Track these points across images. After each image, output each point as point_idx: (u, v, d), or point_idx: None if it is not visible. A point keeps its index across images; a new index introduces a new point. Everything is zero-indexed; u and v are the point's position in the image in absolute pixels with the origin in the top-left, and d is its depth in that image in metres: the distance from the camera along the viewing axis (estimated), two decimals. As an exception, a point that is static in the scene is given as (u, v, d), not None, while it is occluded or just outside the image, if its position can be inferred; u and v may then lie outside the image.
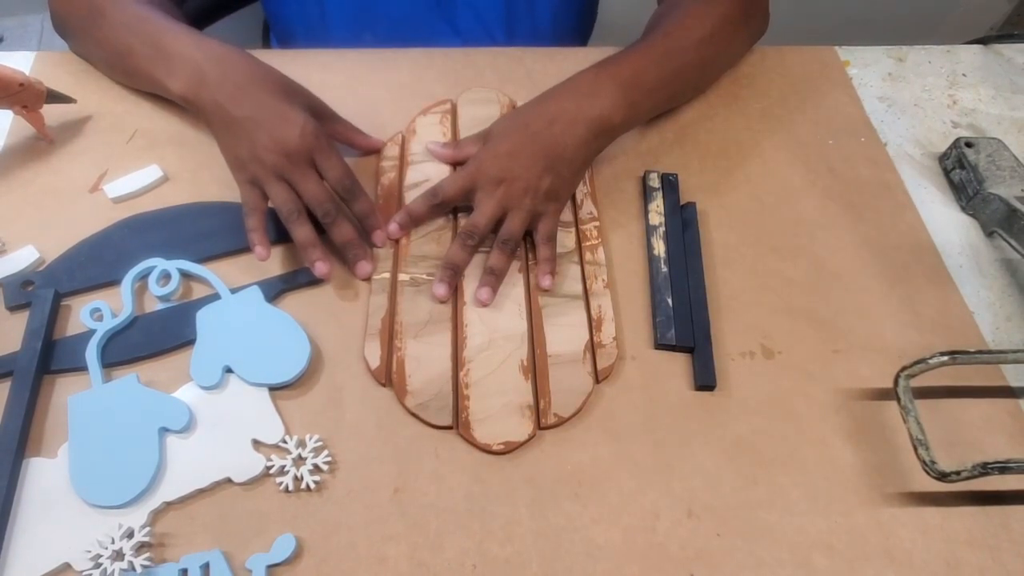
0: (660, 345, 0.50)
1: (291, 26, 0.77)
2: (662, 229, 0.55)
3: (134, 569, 0.39)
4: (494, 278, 0.51)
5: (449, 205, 0.54)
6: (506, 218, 0.52)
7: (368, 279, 0.52)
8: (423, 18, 0.74)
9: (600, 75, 0.55)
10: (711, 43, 0.60)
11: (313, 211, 0.51)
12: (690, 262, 0.53)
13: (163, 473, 0.43)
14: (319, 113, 0.55)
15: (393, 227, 0.53)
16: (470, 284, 0.52)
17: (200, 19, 0.81)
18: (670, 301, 0.51)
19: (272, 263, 0.52)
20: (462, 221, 0.55)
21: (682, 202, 0.57)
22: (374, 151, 0.60)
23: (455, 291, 0.51)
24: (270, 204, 0.51)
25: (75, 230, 0.53)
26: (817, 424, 0.47)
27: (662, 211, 0.56)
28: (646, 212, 0.57)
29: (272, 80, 0.53)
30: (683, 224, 0.55)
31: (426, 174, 0.58)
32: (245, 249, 0.53)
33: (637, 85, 0.56)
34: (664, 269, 0.53)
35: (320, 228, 0.52)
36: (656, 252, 0.54)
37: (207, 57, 0.53)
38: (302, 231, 0.50)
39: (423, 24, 0.74)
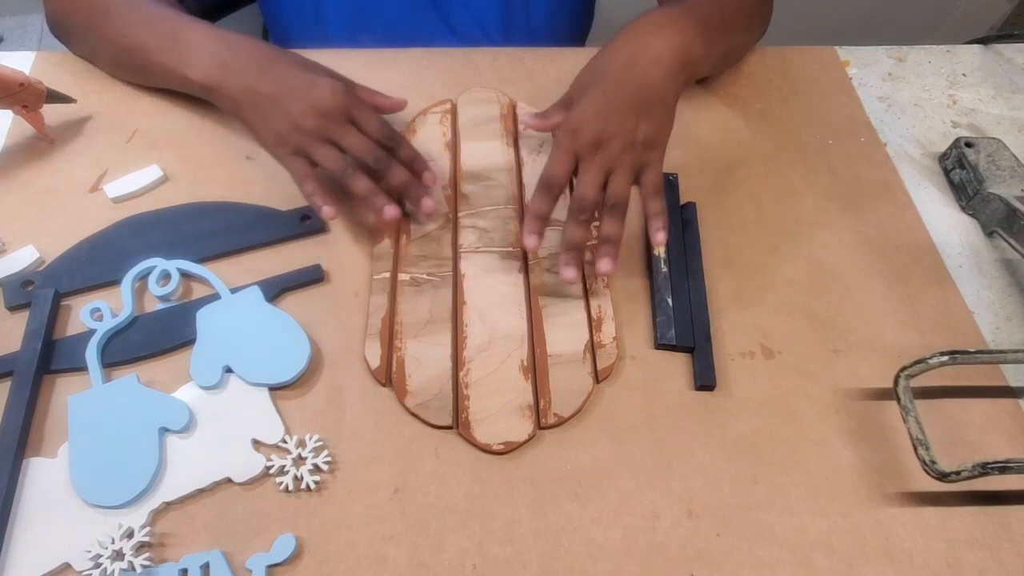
0: (660, 345, 0.50)
1: (288, 27, 0.78)
2: None
3: (134, 569, 0.39)
4: (612, 246, 0.49)
5: (565, 188, 0.50)
6: (610, 180, 0.49)
7: (431, 212, 0.53)
8: (419, 19, 0.74)
9: (671, 11, 0.53)
10: (751, 10, 0.61)
11: (364, 162, 0.51)
12: (690, 262, 0.53)
13: (163, 473, 0.43)
14: (341, 80, 0.56)
15: (531, 240, 0.49)
16: (471, 284, 0.52)
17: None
18: (670, 301, 0.51)
19: (272, 262, 0.52)
20: (462, 220, 0.55)
21: (682, 202, 0.57)
22: (399, 110, 0.59)
23: (456, 289, 0.51)
24: (320, 168, 0.52)
25: (75, 230, 0.53)
26: (817, 424, 0.47)
27: None
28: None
29: (290, 56, 0.55)
30: (683, 224, 0.55)
31: (426, 174, 0.58)
32: (245, 249, 0.53)
33: (708, 22, 0.54)
34: (664, 269, 0.53)
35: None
36: (656, 252, 0.54)
37: (225, 44, 0.55)
38: (362, 182, 0.51)
39: (419, 25, 0.74)
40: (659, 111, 0.50)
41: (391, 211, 0.51)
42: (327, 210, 0.51)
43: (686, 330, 0.50)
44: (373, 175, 0.52)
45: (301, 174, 0.52)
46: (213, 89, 0.55)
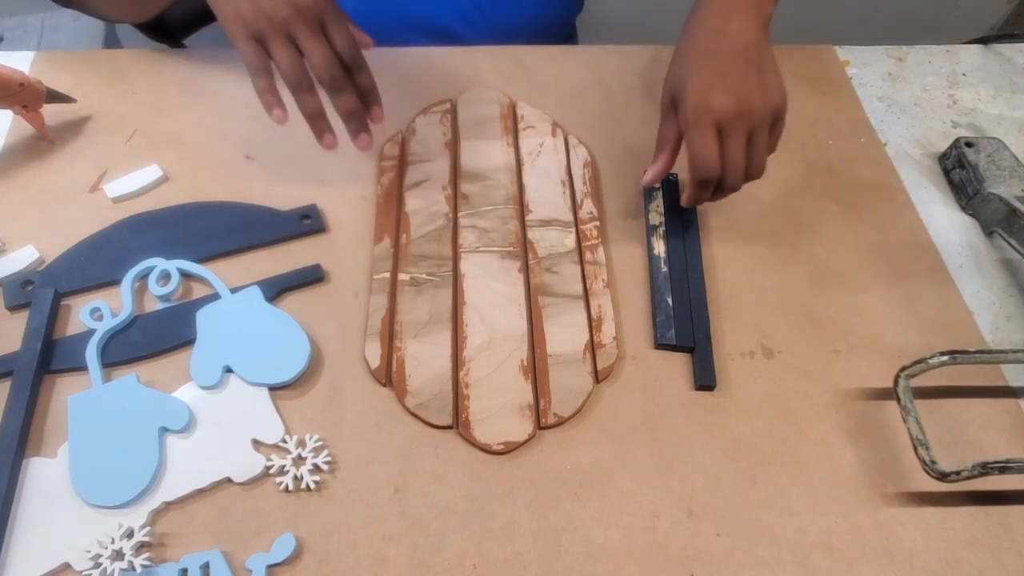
0: (660, 345, 0.50)
1: None
2: (662, 229, 0.55)
3: (134, 569, 0.39)
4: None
5: (717, 178, 0.49)
6: (751, 148, 0.48)
7: (367, 150, 0.52)
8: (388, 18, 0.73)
9: None
10: None
11: (319, 77, 0.49)
12: (690, 262, 0.53)
13: (163, 473, 0.43)
14: None
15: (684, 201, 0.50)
16: (471, 284, 0.52)
17: (196, 21, 0.81)
18: (670, 301, 0.51)
19: (272, 263, 0.52)
20: (462, 220, 0.55)
21: (682, 202, 0.57)
22: (364, 48, 0.55)
23: (456, 289, 0.51)
24: (276, 68, 0.49)
25: (75, 230, 0.53)
26: (817, 424, 0.47)
27: (662, 211, 0.56)
28: (647, 212, 0.57)
29: None
30: (684, 224, 0.55)
31: (426, 173, 0.58)
32: (245, 249, 0.53)
33: None
34: (664, 269, 0.53)
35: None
36: (656, 252, 0.54)
37: None
38: (312, 101, 0.49)
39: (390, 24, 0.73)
40: (770, 69, 0.49)
41: (329, 140, 0.51)
42: (278, 113, 0.49)
43: (686, 330, 0.50)
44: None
45: (256, 65, 0.49)
46: None
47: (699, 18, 0.51)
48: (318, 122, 0.50)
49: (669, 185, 0.58)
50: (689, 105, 0.47)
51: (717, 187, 0.49)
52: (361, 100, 0.52)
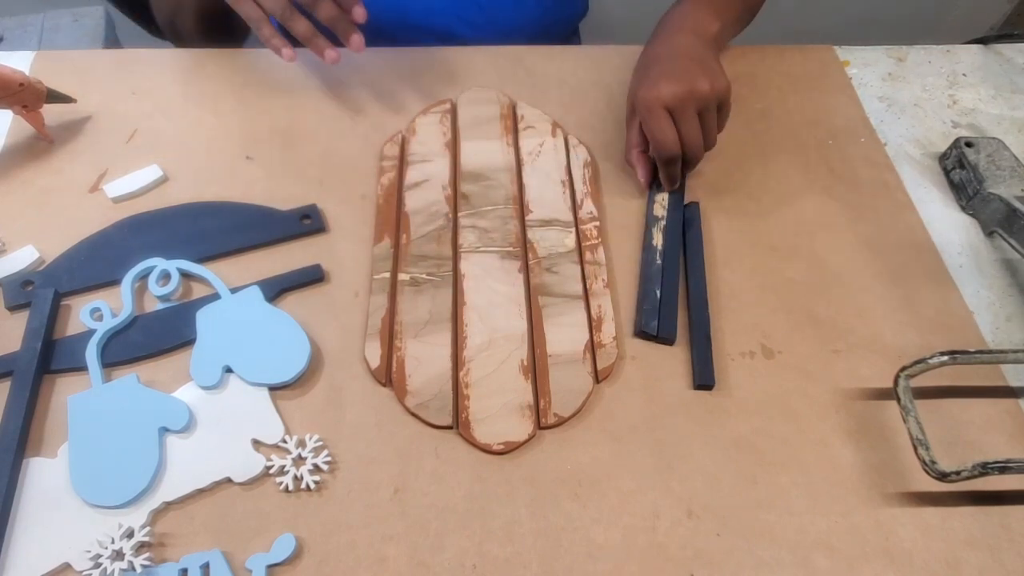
0: (641, 333, 0.50)
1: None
2: (663, 222, 0.55)
3: (134, 569, 0.39)
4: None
5: (679, 155, 0.54)
6: (703, 125, 0.54)
7: (361, 50, 0.56)
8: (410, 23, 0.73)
9: (684, 7, 0.61)
10: None
11: (295, 1, 0.53)
12: (692, 261, 0.53)
13: (163, 473, 0.43)
14: None
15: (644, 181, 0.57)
16: (471, 284, 0.52)
17: (198, 21, 0.80)
18: (658, 292, 0.51)
19: (272, 262, 0.52)
20: (462, 220, 0.55)
21: (686, 201, 0.57)
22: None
23: (456, 289, 0.51)
24: (266, 12, 0.54)
25: (75, 230, 0.53)
26: (817, 424, 0.47)
27: (666, 205, 0.56)
28: (651, 203, 0.57)
29: None
30: (686, 223, 0.55)
31: (426, 173, 0.58)
32: (245, 249, 0.53)
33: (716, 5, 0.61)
34: (658, 262, 0.53)
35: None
36: (654, 243, 0.54)
37: None
38: (301, 24, 0.54)
39: (411, 29, 0.73)
40: (711, 63, 0.55)
41: (331, 54, 0.55)
42: (287, 52, 0.54)
43: (670, 323, 0.50)
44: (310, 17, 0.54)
45: (253, 18, 0.54)
46: None
47: (649, 44, 0.60)
48: (314, 41, 0.55)
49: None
50: (640, 98, 0.53)
51: (683, 163, 0.55)
52: (339, 5, 0.55)
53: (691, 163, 0.55)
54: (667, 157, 0.53)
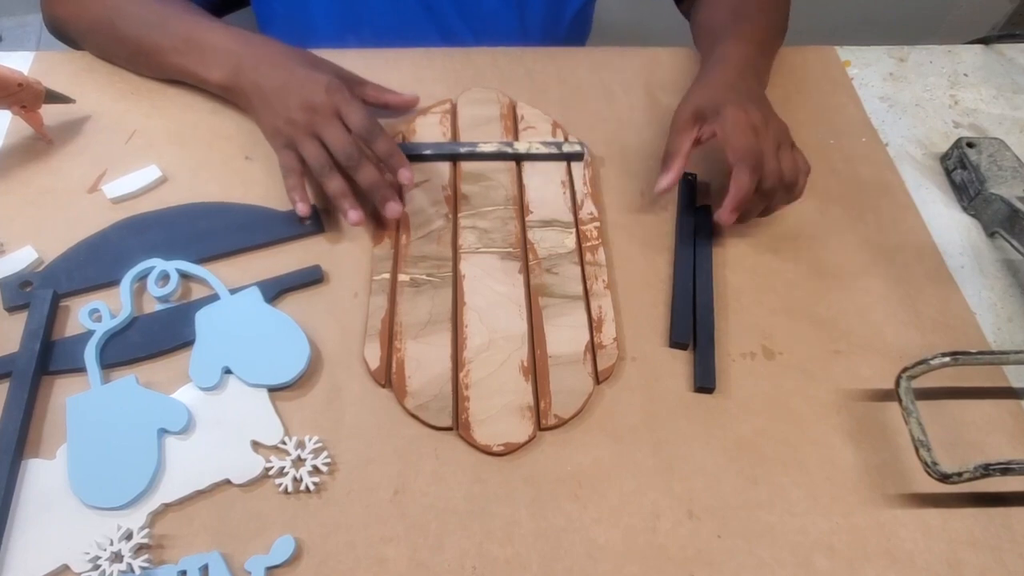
0: (675, 344, 0.50)
1: (280, 30, 0.77)
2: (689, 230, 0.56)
3: (133, 571, 0.39)
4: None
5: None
6: (781, 155, 0.52)
7: (398, 219, 0.54)
8: (411, 23, 0.73)
9: (729, 50, 0.59)
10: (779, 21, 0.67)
11: (337, 161, 0.52)
12: (700, 265, 0.53)
13: (162, 474, 0.43)
14: (347, 78, 0.59)
15: (725, 214, 0.51)
16: (471, 285, 0.52)
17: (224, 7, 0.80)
18: (686, 300, 0.52)
19: (272, 263, 0.52)
20: (462, 221, 0.55)
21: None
22: (410, 107, 0.62)
23: (456, 290, 0.51)
24: (306, 163, 0.53)
25: (74, 230, 0.53)
26: (818, 425, 0.47)
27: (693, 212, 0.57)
28: (683, 212, 0.57)
29: (300, 54, 0.58)
30: (695, 227, 0.55)
31: (426, 174, 0.58)
32: (244, 249, 0.53)
33: (758, 47, 0.61)
34: (689, 268, 0.53)
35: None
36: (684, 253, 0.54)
37: (240, 45, 0.57)
38: (334, 182, 0.52)
39: (410, 29, 0.73)
40: (766, 109, 0.55)
41: (353, 216, 0.52)
42: (301, 207, 0.53)
43: (686, 328, 0.50)
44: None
45: (287, 167, 0.54)
46: (230, 88, 0.58)
47: (714, 71, 0.57)
48: (341, 201, 0.52)
49: (688, 185, 0.58)
50: (728, 113, 0.51)
51: (758, 190, 0.51)
52: (386, 164, 0.53)
53: (768, 190, 0.52)
54: (751, 164, 0.50)
